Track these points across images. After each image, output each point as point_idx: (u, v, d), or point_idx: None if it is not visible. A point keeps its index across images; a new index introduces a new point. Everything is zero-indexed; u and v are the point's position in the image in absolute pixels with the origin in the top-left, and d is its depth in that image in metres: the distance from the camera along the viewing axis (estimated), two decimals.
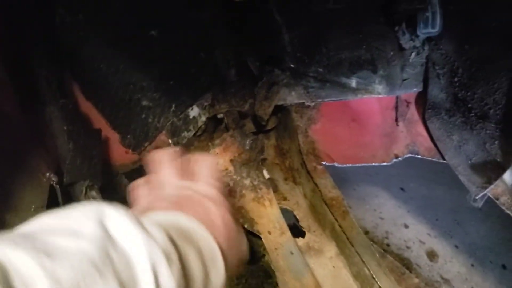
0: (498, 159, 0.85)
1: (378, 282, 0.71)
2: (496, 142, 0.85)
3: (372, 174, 1.38)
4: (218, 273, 0.39)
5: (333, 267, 0.79)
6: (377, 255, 0.74)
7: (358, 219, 1.00)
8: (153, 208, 0.42)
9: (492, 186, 0.85)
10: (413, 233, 1.23)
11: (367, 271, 0.73)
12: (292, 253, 0.74)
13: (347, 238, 0.77)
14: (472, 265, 1.16)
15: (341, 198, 0.82)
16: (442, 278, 1.13)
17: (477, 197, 0.86)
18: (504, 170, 0.84)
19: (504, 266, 1.17)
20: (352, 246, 0.76)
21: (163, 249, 0.34)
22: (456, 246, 1.21)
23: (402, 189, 1.36)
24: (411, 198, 1.32)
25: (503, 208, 0.84)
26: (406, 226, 1.25)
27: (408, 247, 1.19)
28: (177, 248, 0.36)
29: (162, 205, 0.43)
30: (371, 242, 0.83)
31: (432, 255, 1.18)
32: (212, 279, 0.39)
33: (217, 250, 0.39)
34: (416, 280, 1.07)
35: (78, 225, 0.33)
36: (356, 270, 0.75)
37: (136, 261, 0.32)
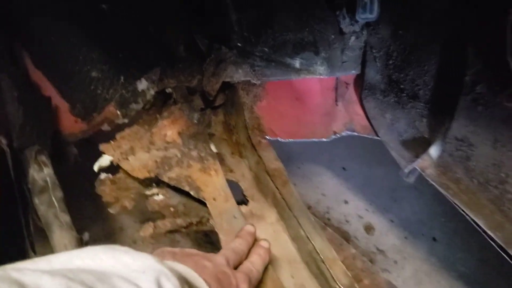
0: (426, 136, 0.94)
1: (312, 242, 0.77)
2: (424, 120, 0.94)
3: (316, 154, 1.46)
4: None
5: (273, 231, 0.84)
6: (312, 219, 0.81)
7: (301, 195, 1.07)
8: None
9: (419, 160, 0.94)
10: (352, 209, 1.31)
11: (302, 233, 0.79)
12: (235, 217, 0.79)
13: (286, 204, 0.83)
14: (406, 238, 1.26)
15: (282, 169, 0.88)
16: (378, 249, 1.22)
17: (406, 170, 0.94)
18: (430, 145, 0.93)
19: (434, 239, 1.28)
20: (291, 211, 0.82)
21: None
22: (392, 221, 1.30)
23: (344, 168, 1.44)
24: (352, 177, 1.41)
25: (429, 179, 0.93)
26: (346, 202, 1.33)
27: (347, 221, 1.27)
28: None
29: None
30: (314, 216, 0.89)
31: (369, 229, 1.27)
32: None
33: None
34: (353, 251, 1.15)
35: (137, 275, 0.37)
36: (294, 233, 0.81)
37: None
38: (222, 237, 0.75)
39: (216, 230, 0.77)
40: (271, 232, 0.85)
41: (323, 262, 0.75)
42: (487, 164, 0.83)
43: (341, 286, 0.72)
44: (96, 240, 1.09)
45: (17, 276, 0.31)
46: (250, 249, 0.70)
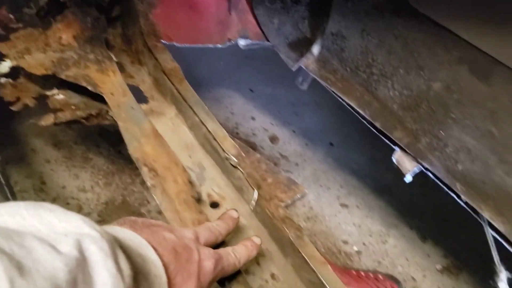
0: (308, 36, 1.05)
1: (206, 125, 0.85)
2: (306, 21, 1.04)
3: (225, 78, 1.54)
4: None
5: (173, 124, 0.92)
6: (206, 108, 0.89)
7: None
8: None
9: (303, 59, 1.05)
10: (258, 123, 1.42)
11: (197, 119, 0.87)
12: (133, 108, 0.85)
13: (183, 99, 0.91)
14: (306, 144, 1.40)
15: (178, 68, 0.95)
16: (281, 155, 1.34)
17: (293, 69, 1.05)
18: (311, 44, 1.04)
19: (331, 143, 1.42)
20: (187, 103, 0.90)
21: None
22: (294, 131, 1.43)
23: (251, 90, 1.54)
24: (258, 97, 1.51)
25: (311, 74, 1.04)
26: (253, 118, 1.43)
27: (254, 134, 1.38)
28: (135, 286, 0.39)
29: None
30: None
31: (273, 139, 1.39)
32: None
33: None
34: (258, 155, 1.27)
35: (57, 237, 0.33)
36: (191, 122, 0.90)
37: None
38: (121, 124, 0.81)
39: (115, 119, 0.83)
40: (171, 126, 0.93)
41: (215, 140, 0.84)
42: (356, 53, 0.96)
43: (230, 155, 0.81)
44: (8, 162, 1.11)
45: None
46: (229, 234, 0.66)
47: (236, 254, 0.60)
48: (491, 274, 0.78)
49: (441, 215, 1.25)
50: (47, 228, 0.34)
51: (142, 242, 0.45)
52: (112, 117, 0.85)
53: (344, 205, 1.25)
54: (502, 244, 0.78)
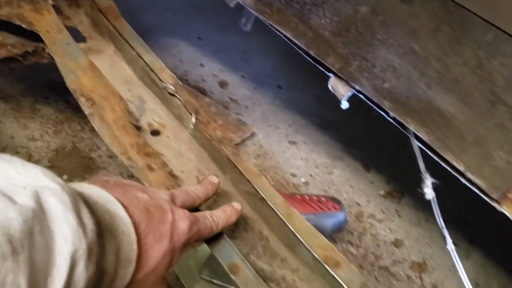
0: None
1: (143, 58, 0.87)
2: None
3: (173, 28, 1.55)
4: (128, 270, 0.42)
5: (112, 61, 0.94)
6: (143, 42, 0.91)
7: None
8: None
9: None
10: (208, 70, 1.44)
11: (134, 53, 0.89)
12: (68, 44, 0.86)
13: (120, 35, 0.92)
14: (255, 88, 1.43)
15: (113, 5, 0.95)
16: (231, 99, 1.38)
17: (231, 5, 1.07)
18: None
19: (279, 86, 1.46)
20: (124, 39, 0.91)
21: (89, 242, 0.34)
22: (243, 76, 1.46)
23: (199, 38, 1.55)
24: (207, 45, 1.53)
25: (248, 8, 1.07)
26: (202, 65, 1.45)
27: (203, 80, 1.40)
28: (100, 242, 0.37)
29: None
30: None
31: (223, 84, 1.41)
32: (121, 275, 0.42)
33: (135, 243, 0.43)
34: (208, 99, 1.30)
35: (14, 189, 0.32)
36: (129, 57, 0.91)
37: (58, 247, 0.32)
38: (58, 59, 0.83)
39: (52, 55, 0.84)
40: (110, 62, 0.94)
41: (153, 71, 0.86)
42: None
43: (167, 84, 0.84)
44: None
45: None
46: (207, 199, 0.65)
47: (214, 218, 0.59)
48: (420, 183, 0.85)
49: (383, 146, 1.32)
50: (4, 179, 0.32)
51: (110, 199, 0.43)
52: (49, 54, 0.86)
53: (292, 142, 1.30)
54: (427, 154, 0.84)
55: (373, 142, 1.34)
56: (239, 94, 1.40)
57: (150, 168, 0.71)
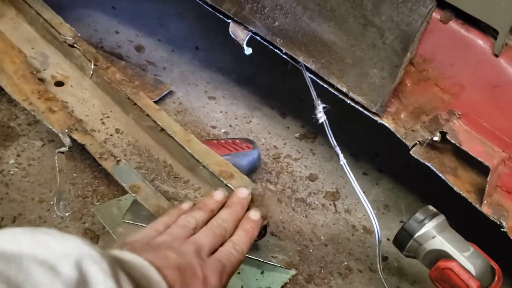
0: None
1: (42, 15, 0.90)
2: None
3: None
4: None
5: (14, 23, 0.95)
6: (43, 2, 0.93)
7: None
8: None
9: None
10: (123, 36, 1.46)
11: (33, 12, 0.91)
12: None
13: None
14: (172, 50, 1.47)
15: None
16: (148, 62, 1.41)
17: None
18: None
19: (197, 47, 1.51)
20: (24, 1, 0.93)
21: None
22: (159, 40, 1.49)
23: (113, 7, 1.56)
24: (122, 13, 1.54)
25: None
26: (117, 32, 1.47)
27: (119, 46, 1.43)
28: None
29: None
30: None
31: (139, 48, 1.44)
32: None
33: None
34: (123, 63, 1.33)
35: (57, 260, 0.32)
36: (30, 17, 0.93)
37: None
38: None
39: None
40: (12, 24, 0.96)
41: (52, 27, 0.89)
42: None
43: (67, 37, 0.87)
44: None
45: None
46: (239, 221, 0.61)
47: (238, 248, 0.57)
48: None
49: (297, 95, 1.41)
50: (46, 250, 0.33)
51: (143, 264, 0.44)
52: None
53: (211, 97, 1.36)
54: (317, 82, 0.92)
55: (289, 92, 1.42)
56: (156, 57, 1.44)
57: (51, 111, 0.75)
